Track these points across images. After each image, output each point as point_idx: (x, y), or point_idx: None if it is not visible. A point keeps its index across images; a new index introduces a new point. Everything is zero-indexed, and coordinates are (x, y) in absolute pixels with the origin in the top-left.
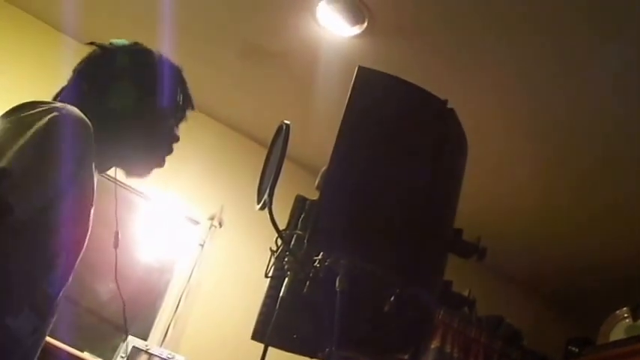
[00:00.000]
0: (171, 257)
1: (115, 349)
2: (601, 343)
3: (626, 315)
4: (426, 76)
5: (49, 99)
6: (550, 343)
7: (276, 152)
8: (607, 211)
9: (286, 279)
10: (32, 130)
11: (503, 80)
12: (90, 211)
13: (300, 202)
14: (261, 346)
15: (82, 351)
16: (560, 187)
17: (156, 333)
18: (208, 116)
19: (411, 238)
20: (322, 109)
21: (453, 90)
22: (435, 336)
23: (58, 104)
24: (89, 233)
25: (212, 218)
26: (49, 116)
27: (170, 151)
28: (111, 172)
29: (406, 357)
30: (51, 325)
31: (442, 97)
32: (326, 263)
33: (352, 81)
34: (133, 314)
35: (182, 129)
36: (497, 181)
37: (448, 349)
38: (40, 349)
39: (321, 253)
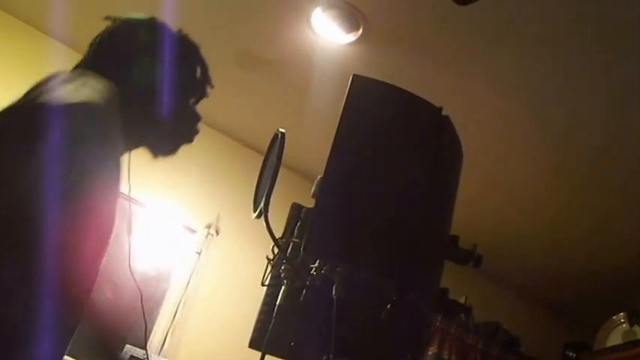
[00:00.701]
0: (168, 266)
1: (112, 358)
2: (598, 348)
3: (622, 320)
4: (421, 83)
5: None
6: (547, 349)
7: (272, 160)
8: (604, 218)
9: (283, 287)
10: (61, 110)
11: (499, 88)
12: (116, 198)
13: (296, 210)
14: (259, 354)
15: None
16: (558, 195)
17: (154, 342)
18: (204, 124)
19: (407, 246)
20: (318, 116)
21: (448, 97)
22: (433, 342)
23: (82, 77)
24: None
25: (209, 226)
26: (76, 97)
27: (197, 131)
28: None
29: None
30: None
31: (437, 104)
32: (322, 271)
33: (347, 89)
34: (130, 323)
35: None
36: (494, 188)
37: (446, 355)
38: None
39: (318, 261)
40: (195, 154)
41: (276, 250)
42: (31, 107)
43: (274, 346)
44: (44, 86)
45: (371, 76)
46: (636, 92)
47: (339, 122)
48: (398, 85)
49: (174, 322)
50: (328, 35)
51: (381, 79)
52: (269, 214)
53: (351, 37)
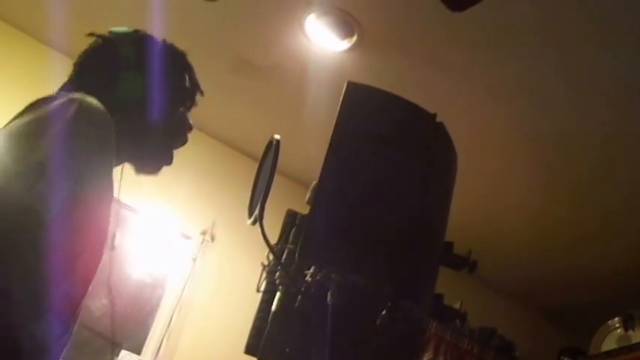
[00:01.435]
0: (164, 272)
1: None
2: (593, 353)
3: (617, 325)
4: (416, 89)
5: None
6: (543, 354)
7: (267, 167)
8: (599, 225)
9: (278, 293)
10: (60, 122)
11: (494, 95)
12: (110, 208)
13: (291, 217)
14: None
15: None
16: (553, 202)
17: (149, 347)
18: (199, 130)
19: (402, 252)
20: (312, 122)
21: (442, 104)
22: (428, 348)
23: (77, 95)
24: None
25: (204, 233)
26: (73, 108)
27: (186, 140)
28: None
29: None
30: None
31: (432, 111)
32: (317, 277)
33: (341, 96)
34: (126, 329)
35: None
36: (491, 194)
37: None
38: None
39: (313, 268)
40: (191, 161)
41: (271, 257)
42: (29, 120)
43: (270, 352)
44: (39, 105)
45: (365, 82)
46: (634, 99)
47: (334, 129)
48: (392, 91)
49: (170, 328)
50: (322, 42)
51: (375, 86)
52: (264, 221)
53: (346, 43)
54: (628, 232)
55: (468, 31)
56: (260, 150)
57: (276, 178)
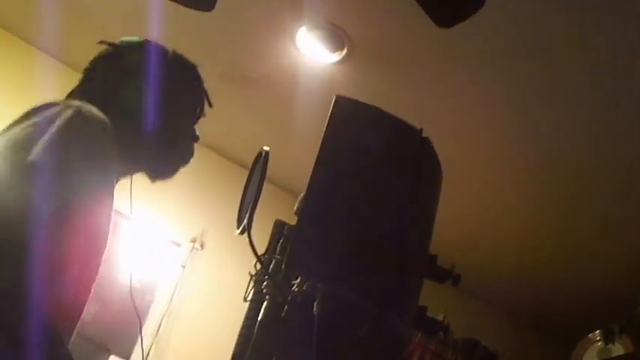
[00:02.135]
0: (154, 278)
1: None
2: None
3: (598, 338)
4: (404, 104)
5: None
6: None
7: (256, 178)
8: (582, 241)
9: (265, 302)
10: (54, 128)
11: (482, 110)
12: (110, 215)
13: (279, 227)
14: None
15: None
16: (541, 217)
17: (138, 353)
18: None
19: (387, 264)
20: (302, 133)
21: (430, 118)
22: (413, 357)
23: (76, 102)
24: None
25: (194, 241)
26: (68, 114)
27: (192, 152)
28: None
29: None
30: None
31: (419, 125)
32: (304, 288)
33: (330, 110)
34: (115, 334)
35: None
36: (477, 208)
37: None
38: None
39: (299, 278)
40: (182, 169)
41: (258, 266)
42: (26, 126)
43: None
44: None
45: (355, 95)
46: (626, 114)
47: (322, 142)
48: (381, 105)
49: (159, 334)
50: (313, 54)
51: (364, 99)
52: (252, 230)
53: (336, 56)
54: (611, 249)
55: (457, 47)
56: (250, 158)
57: (265, 186)
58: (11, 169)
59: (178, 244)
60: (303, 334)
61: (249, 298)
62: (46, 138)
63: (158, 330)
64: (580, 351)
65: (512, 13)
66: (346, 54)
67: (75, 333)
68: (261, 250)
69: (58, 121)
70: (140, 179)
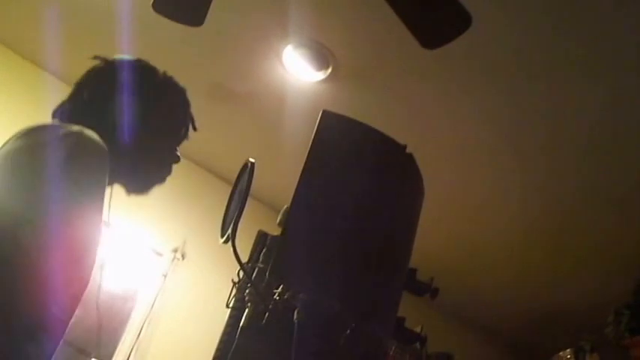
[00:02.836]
0: (135, 286)
1: None
2: None
3: (569, 356)
4: (387, 120)
5: None
6: None
7: (241, 188)
8: (558, 265)
9: (246, 310)
10: (58, 153)
11: (464, 126)
12: (100, 233)
13: (262, 237)
14: None
15: None
16: (525, 240)
17: (118, 358)
18: None
19: (368, 276)
20: (285, 149)
21: (413, 136)
22: None
23: (75, 128)
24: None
25: (175, 251)
26: (71, 139)
27: (169, 171)
28: None
29: None
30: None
31: (402, 142)
32: (285, 296)
33: (316, 124)
34: (96, 340)
35: None
36: (462, 227)
37: None
38: None
39: (281, 287)
40: (163, 183)
41: (241, 274)
42: (29, 146)
43: None
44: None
45: (339, 112)
46: (606, 149)
47: (307, 155)
48: (365, 121)
49: (139, 340)
50: (299, 72)
51: (349, 116)
52: (235, 241)
53: (321, 75)
54: (584, 273)
55: (440, 66)
56: (233, 173)
57: (248, 201)
58: (13, 189)
59: (160, 254)
60: (283, 342)
61: (230, 305)
62: (52, 162)
63: (138, 335)
64: None
65: (496, 30)
66: (331, 72)
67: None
68: (242, 260)
69: (63, 146)
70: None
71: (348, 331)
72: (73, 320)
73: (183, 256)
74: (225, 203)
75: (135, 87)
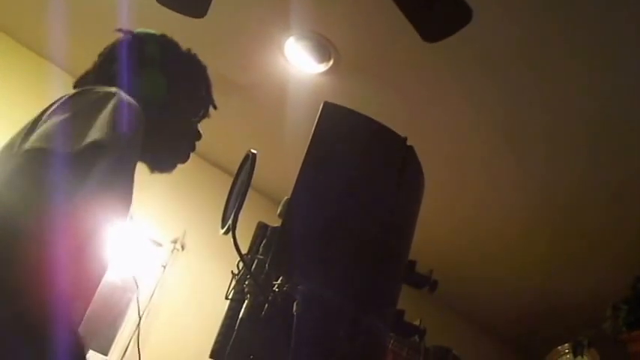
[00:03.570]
0: (134, 277)
1: None
2: None
3: (567, 351)
4: (389, 112)
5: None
6: None
7: (242, 179)
8: (557, 261)
9: (246, 301)
10: (104, 111)
11: (464, 118)
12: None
13: (262, 229)
14: None
15: None
16: (518, 237)
17: (116, 349)
18: None
19: (367, 268)
20: (286, 141)
21: (414, 128)
22: None
23: (113, 89)
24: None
25: (175, 241)
26: (113, 100)
27: (193, 148)
28: None
29: None
30: None
31: (403, 133)
32: (284, 288)
33: (317, 115)
34: (93, 330)
35: None
36: (463, 224)
37: None
38: None
39: (281, 278)
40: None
41: (241, 266)
42: (73, 108)
43: (235, 357)
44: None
45: (340, 104)
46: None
47: (308, 146)
48: (366, 113)
49: (138, 331)
50: (300, 64)
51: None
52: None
53: (323, 67)
54: (581, 270)
55: (442, 58)
56: (234, 164)
57: (248, 192)
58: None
59: (160, 245)
60: (282, 334)
61: (230, 296)
62: (100, 121)
63: (137, 326)
64: None
65: (497, 22)
66: (332, 65)
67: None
68: (242, 252)
69: (109, 104)
70: None
71: (349, 323)
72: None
73: (182, 247)
74: (226, 194)
75: (163, 61)
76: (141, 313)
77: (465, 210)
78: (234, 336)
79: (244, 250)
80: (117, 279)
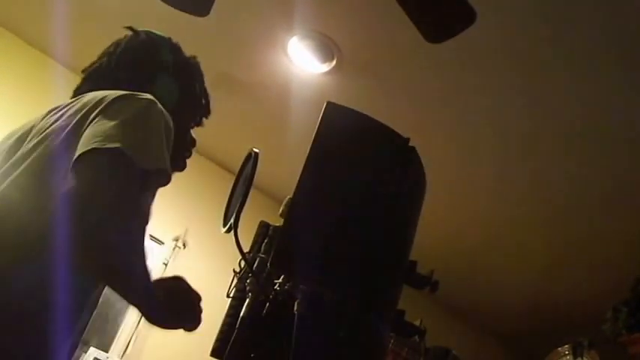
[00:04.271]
0: None
1: None
2: None
3: (567, 352)
4: (391, 112)
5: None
6: None
7: (244, 178)
8: (558, 263)
9: (247, 300)
10: (159, 128)
11: (467, 117)
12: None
13: (264, 228)
14: None
15: None
16: (525, 235)
17: (117, 346)
18: None
19: (368, 268)
20: (289, 141)
21: (417, 129)
22: None
23: (149, 96)
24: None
25: (176, 239)
26: (160, 117)
27: (189, 155)
28: None
29: None
30: None
31: (405, 135)
32: (286, 287)
33: (320, 115)
34: (94, 327)
35: None
36: (459, 220)
37: None
38: None
39: (282, 277)
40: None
41: (243, 264)
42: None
43: (235, 356)
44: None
45: (343, 104)
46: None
47: (311, 146)
48: (369, 113)
49: (139, 328)
50: (303, 64)
51: (353, 108)
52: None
53: (326, 67)
54: (581, 273)
55: (444, 58)
56: (236, 163)
57: (250, 191)
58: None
59: (161, 242)
60: (283, 333)
61: (231, 294)
62: (152, 123)
63: (138, 323)
64: None
65: (498, 23)
66: (335, 64)
67: None
68: (243, 250)
69: (157, 110)
70: None
71: (350, 322)
72: None
73: (184, 245)
74: (228, 193)
75: (175, 66)
76: None
77: (466, 211)
78: (235, 334)
79: (246, 249)
80: None
